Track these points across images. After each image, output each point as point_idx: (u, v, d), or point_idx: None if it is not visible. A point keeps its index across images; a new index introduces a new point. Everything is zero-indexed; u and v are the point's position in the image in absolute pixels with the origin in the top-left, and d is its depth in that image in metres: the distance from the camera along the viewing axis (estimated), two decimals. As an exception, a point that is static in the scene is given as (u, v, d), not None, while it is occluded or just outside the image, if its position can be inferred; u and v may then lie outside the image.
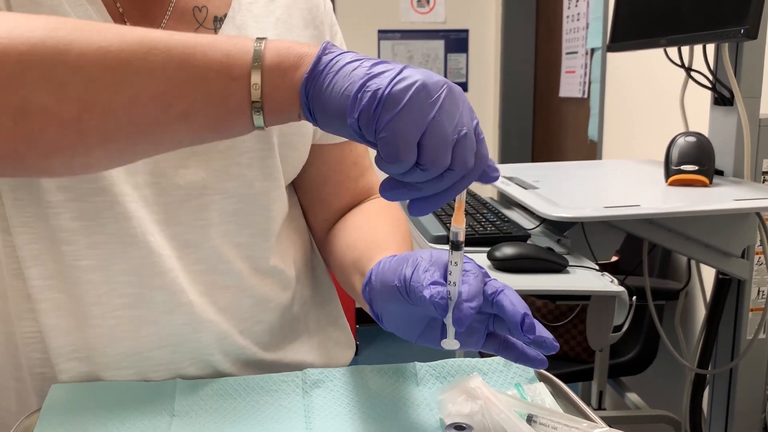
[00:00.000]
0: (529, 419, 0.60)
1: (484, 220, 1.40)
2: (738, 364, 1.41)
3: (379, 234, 0.74)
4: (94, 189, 0.66)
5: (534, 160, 3.38)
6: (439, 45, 3.45)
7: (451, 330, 0.56)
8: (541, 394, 0.68)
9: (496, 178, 0.54)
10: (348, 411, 0.66)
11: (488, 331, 0.58)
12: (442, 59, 3.46)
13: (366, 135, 0.50)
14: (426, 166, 0.49)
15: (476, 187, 1.97)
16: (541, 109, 3.30)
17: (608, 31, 1.60)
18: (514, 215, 1.53)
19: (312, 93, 0.51)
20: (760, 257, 1.39)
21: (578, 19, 2.77)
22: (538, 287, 1.13)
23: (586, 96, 2.70)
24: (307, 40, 0.78)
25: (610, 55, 2.36)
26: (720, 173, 1.37)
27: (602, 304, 1.15)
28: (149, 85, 0.52)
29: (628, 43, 1.50)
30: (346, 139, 0.81)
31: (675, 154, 1.33)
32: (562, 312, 2.02)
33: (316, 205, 0.83)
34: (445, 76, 3.47)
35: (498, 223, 1.38)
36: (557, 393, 0.69)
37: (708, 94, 1.41)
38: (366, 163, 0.85)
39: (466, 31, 3.46)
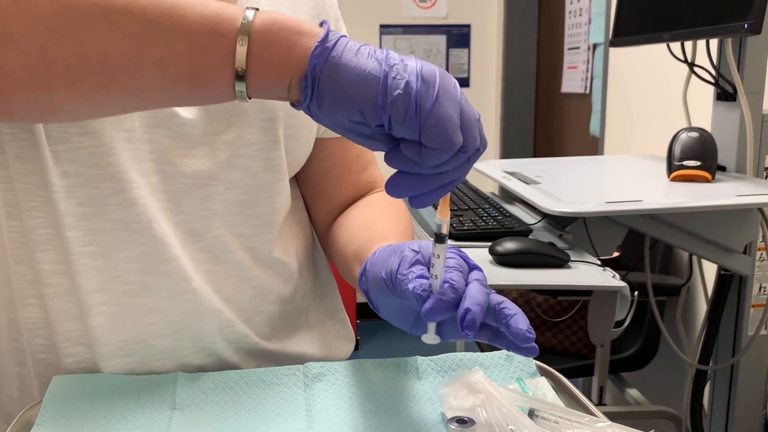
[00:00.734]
0: (531, 413, 0.59)
1: (485, 215, 1.40)
2: (739, 360, 1.41)
3: (380, 226, 0.74)
4: (100, 175, 0.66)
5: (536, 155, 3.38)
6: (440, 40, 3.44)
7: (431, 324, 0.56)
8: (542, 389, 0.68)
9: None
10: (349, 405, 0.66)
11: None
12: (443, 54, 3.46)
13: (394, 124, 0.48)
14: (467, 147, 0.49)
15: (478, 182, 1.97)
16: (542, 104, 3.30)
17: (610, 27, 1.60)
18: (516, 210, 1.53)
19: (325, 68, 0.48)
20: (762, 253, 1.39)
21: (580, 15, 2.76)
22: (539, 282, 1.13)
23: (588, 91, 2.69)
24: None
25: (612, 51, 2.35)
26: (722, 169, 1.37)
27: (604, 299, 1.15)
28: (126, 26, 0.49)
29: (631, 38, 1.50)
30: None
31: (677, 149, 1.33)
32: (563, 307, 2.02)
33: (318, 199, 0.83)
34: (447, 71, 3.46)
35: (500, 218, 1.37)
36: (559, 387, 0.69)
37: (711, 90, 1.41)
38: (368, 157, 0.85)
39: (468, 26, 3.45)
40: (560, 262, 1.16)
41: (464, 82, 3.48)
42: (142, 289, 0.69)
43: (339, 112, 0.49)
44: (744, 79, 1.30)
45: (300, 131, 0.76)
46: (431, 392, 0.68)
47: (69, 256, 0.67)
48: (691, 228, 1.24)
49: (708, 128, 1.39)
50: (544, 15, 3.24)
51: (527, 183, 1.31)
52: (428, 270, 0.55)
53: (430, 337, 0.56)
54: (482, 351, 0.74)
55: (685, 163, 1.31)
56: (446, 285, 0.53)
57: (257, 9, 0.51)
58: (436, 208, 0.55)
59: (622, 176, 1.50)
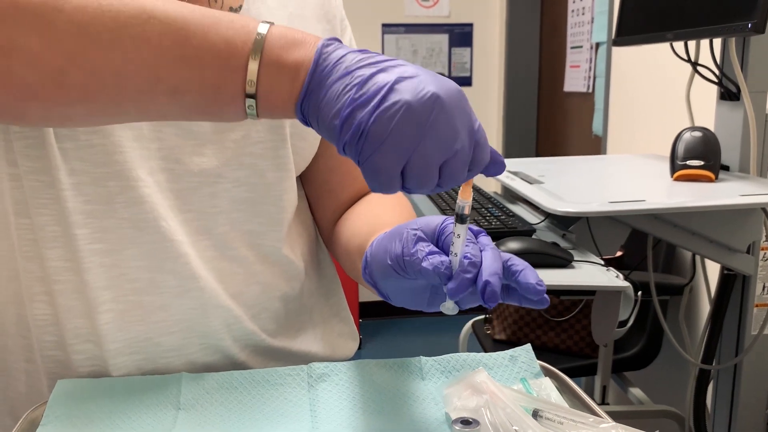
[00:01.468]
0: (535, 414, 0.60)
1: (489, 214, 1.40)
2: (742, 359, 1.41)
3: (382, 219, 0.74)
4: (108, 173, 0.67)
5: (538, 154, 3.37)
6: (443, 39, 3.44)
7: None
8: (546, 389, 0.68)
9: (501, 172, 0.54)
10: (353, 405, 0.66)
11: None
12: (446, 53, 3.46)
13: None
14: (411, 190, 0.50)
15: (480, 181, 1.97)
16: (545, 103, 3.30)
17: (613, 26, 1.59)
18: (519, 210, 1.53)
19: (308, 111, 0.51)
20: (765, 253, 1.39)
21: (583, 14, 2.76)
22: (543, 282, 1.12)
23: (590, 90, 2.69)
24: (321, 34, 0.78)
25: (615, 50, 2.35)
26: (726, 168, 1.37)
27: (607, 299, 1.15)
28: (142, 53, 0.50)
29: (634, 38, 1.50)
30: None
31: (681, 149, 1.33)
32: (566, 307, 2.02)
33: (324, 197, 0.84)
34: (449, 70, 3.47)
35: (503, 217, 1.37)
36: (563, 388, 0.69)
37: (714, 89, 1.41)
38: None
39: (471, 25, 3.45)
40: (564, 262, 1.15)
41: (467, 81, 3.48)
42: (150, 286, 0.69)
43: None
44: (747, 78, 1.30)
45: (306, 130, 0.76)
46: (435, 393, 0.68)
47: (77, 253, 0.68)
48: (694, 228, 1.24)
49: (711, 128, 1.39)
50: (546, 14, 3.24)
51: (530, 183, 1.31)
52: (434, 245, 0.56)
53: (449, 307, 0.57)
54: (485, 351, 0.74)
55: (688, 162, 1.31)
56: (466, 261, 0.54)
57: (267, 28, 0.52)
58: (456, 191, 0.56)
59: (625, 176, 1.50)
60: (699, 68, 1.40)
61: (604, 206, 1.13)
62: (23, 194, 0.67)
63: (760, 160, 1.34)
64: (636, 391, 1.95)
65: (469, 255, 0.54)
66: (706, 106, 1.48)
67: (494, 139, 3.52)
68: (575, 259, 1.17)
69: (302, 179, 0.83)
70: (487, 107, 3.50)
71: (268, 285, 0.76)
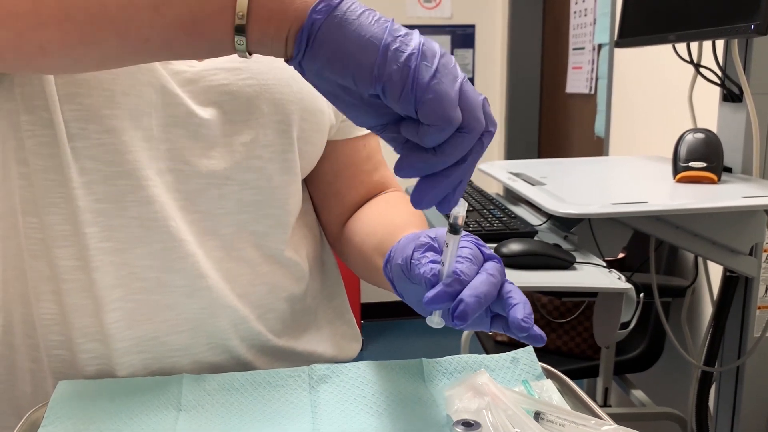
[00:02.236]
0: (537, 416, 0.59)
1: (490, 216, 1.40)
2: (745, 362, 1.41)
3: (399, 219, 0.75)
4: (118, 172, 0.67)
5: (540, 156, 3.37)
6: (445, 40, 3.44)
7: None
8: (548, 391, 0.68)
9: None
10: (354, 406, 0.66)
11: (492, 313, 0.57)
12: (448, 55, 3.46)
13: (389, 97, 0.47)
14: (467, 127, 0.48)
15: (482, 183, 1.97)
16: (547, 105, 3.29)
17: (616, 27, 1.59)
18: (521, 211, 1.53)
19: (325, 25, 0.47)
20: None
21: (585, 15, 2.76)
22: (545, 284, 1.12)
23: (593, 92, 2.69)
24: None
25: (618, 51, 2.35)
26: (728, 170, 1.37)
27: (609, 301, 1.15)
28: None
29: (637, 39, 1.50)
30: (360, 135, 0.83)
31: (683, 150, 1.32)
32: (568, 308, 2.02)
33: (330, 200, 0.84)
34: (452, 71, 3.47)
35: (505, 219, 1.37)
36: (564, 390, 0.69)
37: (716, 91, 1.40)
38: (379, 158, 0.86)
39: (473, 26, 3.45)
40: (566, 263, 1.15)
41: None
42: (158, 285, 0.70)
43: (331, 74, 0.48)
44: (750, 80, 1.30)
45: (313, 134, 0.77)
46: (436, 394, 0.68)
47: (87, 252, 0.68)
48: (697, 229, 1.23)
49: (714, 129, 1.38)
50: (549, 15, 3.24)
51: (532, 184, 1.31)
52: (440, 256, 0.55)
53: (434, 320, 0.55)
54: (487, 353, 0.74)
55: (690, 164, 1.30)
56: (453, 276, 0.53)
57: None
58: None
59: (627, 177, 1.49)
60: (701, 70, 1.40)
61: (607, 208, 1.12)
62: (33, 193, 0.67)
63: (763, 162, 1.34)
64: (638, 393, 1.94)
65: (458, 271, 0.53)
66: (708, 108, 1.48)
67: (496, 140, 3.52)
68: (577, 260, 1.17)
69: (307, 182, 0.83)
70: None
71: (274, 286, 0.76)
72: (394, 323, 3.55)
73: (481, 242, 0.59)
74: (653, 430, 1.89)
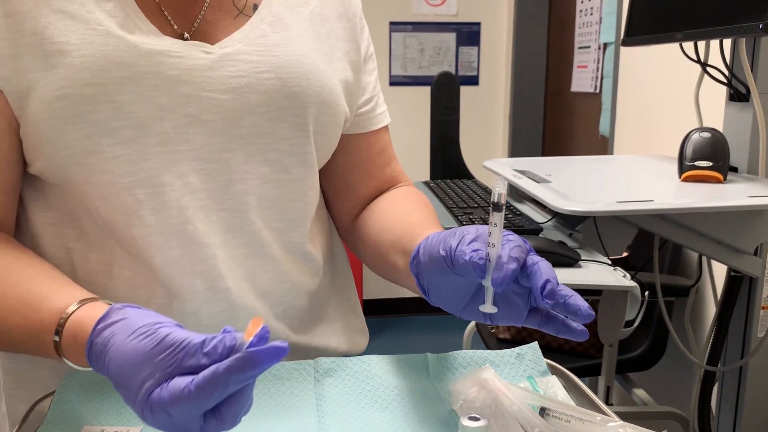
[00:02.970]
0: (542, 412, 0.59)
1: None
2: (748, 361, 1.41)
3: (416, 217, 0.75)
4: (134, 182, 0.67)
5: (544, 154, 3.37)
6: (450, 38, 3.44)
7: (489, 293, 0.57)
8: (553, 387, 0.68)
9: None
10: (359, 400, 0.66)
11: (530, 307, 0.58)
12: (453, 52, 3.45)
13: None
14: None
15: (487, 180, 1.96)
16: (552, 103, 3.29)
17: (621, 26, 1.59)
18: (526, 209, 1.53)
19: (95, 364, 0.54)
20: (772, 255, 1.38)
21: (591, 14, 2.75)
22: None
23: (598, 91, 2.68)
24: (341, 32, 0.79)
25: (623, 50, 2.34)
26: (734, 170, 1.36)
27: (614, 299, 1.15)
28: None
29: (644, 38, 1.49)
30: (375, 129, 0.83)
31: (689, 149, 1.32)
32: (571, 307, 2.01)
33: (343, 193, 0.84)
34: (457, 69, 3.46)
35: (510, 216, 1.37)
36: (569, 386, 0.69)
37: (723, 90, 1.40)
38: (391, 152, 0.87)
39: (478, 24, 3.44)
40: (571, 261, 1.15)
41: (473, 80, 3.47)
42: (179, 292, 0.70)
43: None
44: (757, 79, 1.30)
45: (329, 128, 0.77)
46: (441, 389, 0.68)
47: (107, 262, 0.69)
48: (702, 229, 1.23)
49: (720, 129, 1.38)
50: (554, 14, 3.23)
51: (537, 181, 1.31)
52: (486, 247, 0.56)
53: (488, 307, 0.57)
54: (489, 349, 0.74)
55: (696, 163, 1.30)
56: (506, 253, 0.54)
57: (62, 330, 0.57)
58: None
59: (632, 176, 1.49)
60: (708, 69, 1.40)
61: (612, 206, 1.12)
62: (51, 214, 0.70)
63: (769, 162, 1.33)
64: (640, 392, 1.94)
65: (513, 252, 0.55)
66: (715, 107, 1.48)
67: (500, 138, 3.52)
68: (582, 258, 1.17)
69: (320, 175, 0.83)
70: (494, 106, 3.49)
71: (296, 282, 0.77)
72: (396, 320, 3.55)
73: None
74: (655, 429, 1.88)
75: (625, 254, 1.92)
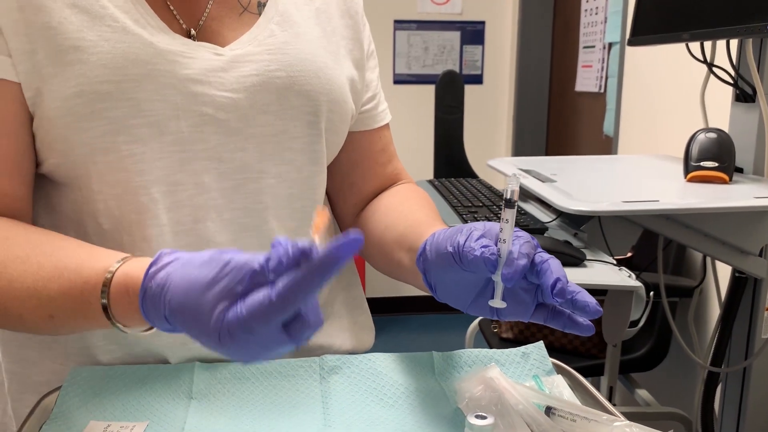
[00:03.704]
0: (548, 411, 0.59)
1: (500, 211, 1.39)
2: (752, 363, 1.40)
3: (420, 214, 0.75)
4: (147, 181, 0.67)
5: (548, 154, 3.36)
6: (455, 36, 3.43)
7: (499, 288, 0.57)
8: (558, 387, 0.68)
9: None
10: (365, 398, 0.66)
11: (537, 302, 0.58)
12: (457, 51, 3.45)
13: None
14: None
15: (491, 179, 1.96)
16: (556, 103, 3.28)
17: (627, 26, 1.59)
18: (531, 208, 1.52)
19: (151, 320, 0.53)
20: (777, 256, 1.38)
21: (596, 13, 2.75)
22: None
23: (602, 91, 2.68)
24: (344, 30, 0.79)
25: (629, 50, 2.34)
26: (740, 170, 1.36)
27: (619, 298, 1.15)
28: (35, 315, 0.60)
29: (650, 38, 1.49)
30: (377, 126, 0.83)
31: (695, 150, 1.32)
32: (574, 307, 2.01)
33: (345, 190, 0.84)
34: (461, 67, 3.46)
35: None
36: (575, 386, 0.69)
37: (729, 90, 1.40)
38: (392, 150, 0.87)
39: (483, 22, 3.44)
40: (576, 260, 1.15)
41: (478, 79, 3.47)
42: None
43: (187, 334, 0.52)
44: (764, 80, 1.29)
45: (338, 125, 0.77)
46: (447, 387, 0.68)
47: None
48: (707, 229, 1.23)
49: (726, 129, 1.38)
50: (559, 13, 3.23)
51: (542, 181, 1.31)
52: (495, 243, 0.56)
53: (497, 302, 0.57)
54: (491, 348, 0.74)
55: (702, 164, 1.30)
56: (517, 249, 0.55)
57: (110, 282, 0.56)
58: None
59: (637, 176, 1.49)
60: (714, 69, 1.39)
61: (618, 206, 1.12)
62: (55, 217, 0.69)
63: (775, 163, 1.33)
64: (643, 393, 1.94)
65: (523, 248, 0.55)
66: (720, 108, 1.47)
67: (504, 137, 3.51)
68: (587, 258, 1.17)
69: None
70: (498, 106, 3.49)
71: None
72: (398, 318, 3.55)
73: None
74: (658, 430, 1.88)
75: (629, 254, 1.91)
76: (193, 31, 0.70)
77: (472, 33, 3.44)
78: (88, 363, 0.71)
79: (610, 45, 2.58)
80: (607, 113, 2.57)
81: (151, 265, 0.52)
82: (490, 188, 1.65)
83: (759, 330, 1.39)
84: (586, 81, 2.85)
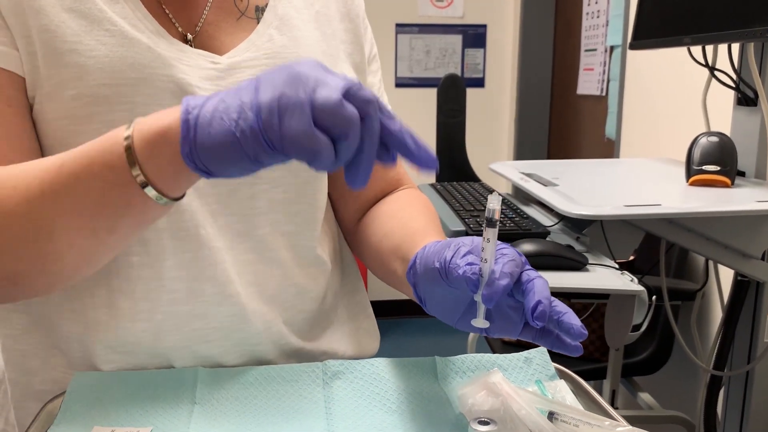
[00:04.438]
0: (551, 416, 0.59)
1: (502, 216, 1.39)
2: (755, 366, 1.40)
3: (417, 223, 0.75)
4: None
5: (550, 157, 3.36)
6: (456, 40, 3.44)
7: (481, 308, 0.56)
8: (561, 392, 0.68)
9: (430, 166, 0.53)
10: (368, 403, 0.66)
11: (525, 320, 0.58)
12: (459, 54, 3.45)
13: (269, 162, 0.51)
14: (342, 135, 0.49)
15: (492, 182, 1.96)
16: (558, 106, 3.29)
17: (628, 29, 1.59)
18: (532, 212, 1.52)
19: (197, 158, 0.51)
20: (780, 260, 1.38)
21: (598, 16, 2.75)
22: (557, 285, 1.12)
23: (604, 94, 2.68)
24: (344, 33, 0.79)
25: (630, 53, 2.34)
26: (742, 174, 1.36)
27: (621, 303, 1.15)
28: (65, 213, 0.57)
29: (652, 41, 1.49)
30: None
31: (697, 153, 1.32)
32: (577, 310, 2.01)
33: (347, 196, 0.84)
34: (462, 71, 3.46)
35: (517, 219, 1.37)
36: (577, 391, 0.69)
37: (730, 94, 1.40)
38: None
39: (484, 26, 3.44)
40: (578, 265, 1.15)
41: (479, 83, 3.47)
42: (188, 296, 0.69)
43: (236, 175, 0.52)
44: (765, 83, 1.29)
45: None
46: (450, 392, 0.68)
47: (114, 266, 0.68)
48: (709, 233, 1.23)
49: (727, 133, 1.38)
50: (560, 16, 3.23)
51: (545, 185, 1.31)
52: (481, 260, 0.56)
53: (479, 321, 0.57)
54: (494, 353, 0.74)
55: (704, 167, 1.30)
56: (499, 269, 0.54)
57: (131, 133, 0.54)
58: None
59: (639, 179, 1.49)
60: (716, 73, 1.39)
61: (620, 209, 1.12)
62: None
63: (777, 166, 1.33)
64: (645, 396, 1.94)
65: (506, 267, 0.55)
66: (722, 111, 1.47)
67: (506, 140, 3.51)
68: (589, 262, 1.17)
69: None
70: (500, 109, 3.49)
71: (303, 287, 0.76)
72: (400, 321, 3.55)
73: (521, 253, 0.60)
74: (660, 434, 1.88)
75: (631, 258, 1.91)
76: (190, 36, 0.70)
77: (474, 36, 3.45)
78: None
79: (612, 48, 2.58)
80: (609, 116, 2.57)
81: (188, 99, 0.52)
82: (492, 192, 1.65)
83: (762, 333, 1.39)
84: (587, 84, 2.85)
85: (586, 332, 0.54)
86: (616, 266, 1.17)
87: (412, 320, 3.56)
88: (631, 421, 0.59)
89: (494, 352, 0.74)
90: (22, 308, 0.72)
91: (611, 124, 2.53)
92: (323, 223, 0.81)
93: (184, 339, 0.70)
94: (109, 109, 0.65)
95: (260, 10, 0.74)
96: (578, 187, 1.31)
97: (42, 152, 0.67)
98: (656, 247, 1.54)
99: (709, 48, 1.40)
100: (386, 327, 3.46)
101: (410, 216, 0.77)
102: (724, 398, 1.51)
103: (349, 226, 0.86)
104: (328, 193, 0.85)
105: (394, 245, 0.72)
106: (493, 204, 0.55)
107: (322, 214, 0.78)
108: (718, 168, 1.29)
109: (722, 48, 1.38)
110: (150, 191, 0.54)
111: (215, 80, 0.69)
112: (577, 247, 1.25)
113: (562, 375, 0.71)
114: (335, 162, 0.50)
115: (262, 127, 0.48)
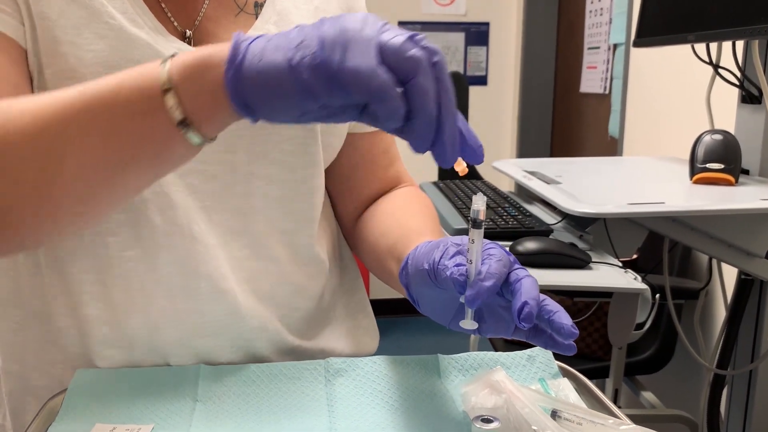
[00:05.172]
0: (554, 414, 0.59)
1: (505, 214, 1.39)
2: (758, 365, 1.40)
3: (414, 222, 0.74)
4: None
5: (553, 155, 3.36)
6: (459, 38, 3.43)
7: (468, 309, 0.56)
8: (564, 390, 0.67)
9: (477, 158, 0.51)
10: (370, 401, 0.65)
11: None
12: (462, 52, 3.45)
13: (326, 101, 0.47)
14: (406, 77, 0.46)
15: (495, 180, 1.96)
16: (561, 104, 3.28)
17: (632, 27, 1.58)
18: (536, 210, 1.52)
19: (242, 88, 0.48)
20: (784, 258, 1.37)
21: (601, 14, 2.74)
22: (561, 283, 1.12)
23: (607, 92, 2.67)
24: None
25: (633, 51, 2.33)
26: (746, 172, 1.36)
27: (625, 301, 1.14)
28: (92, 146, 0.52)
29: (655, 39, 1.48)
30: (379, 129, 0.82)
31: (701, 151, 1.31)
32: (579, 309, 2.01)
33: (346, 193, 0.84)
34: (465, 69, 3.46)
35: (520, 217, 1.37)
36: (581, 389, 0.69)
37: (735, 92, 1.39)
38: (394, 152, 0.86)
39: (487, 24, 3.43)
40: (582, 263, 1.15)
41: (482, 81, 3.47)
42: (183, 291, 0.69)
43: (280, 116, 0.49)
44: (770, 81, 1.29)
45: (336, 126, 0.76)
46: (452, 390, 0.67)
47: (109, 261, 0.68)
48: (712, 231, 1.22)
49: (732, 131, 1.37)
50: (563, 14, 3.22)
51: (548, 183, 1.30)
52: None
53: (467, 323, 0.56)
54: (496, 351, 0.74)
55: (708, 165, 1.29)
56: (485, 270, 0.54)
57: (168, 60, 0.50)
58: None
59: (643, 178, 1.48)
60: (720, 70, 1.39)
61: (623, 207, 1.12)
62: None
63: (781, 165, 1.32)
64: (648, 395, 1.94)
65: (492, 268, 0.54)
66: (726, 109, 1.47)
67: (509, 138, 3.51)
68: (593, 260, 1.17)
69: (324, 175, 0.83)
70: (502, 107, 3.49)
71: (299, 285, 0.76)
72: (402, 320, 3.55)
73: (508, 251, 0.59)
74: (663, 433, 1.88)
75: (634, 257, 1.91)
76: (188, 33, 0.70)
77: (477, 34, 3.44)
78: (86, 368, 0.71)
79: (615, 46, 2.57)
80: (612, 114, 2.57)
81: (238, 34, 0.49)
82: (494, 190, 1.65)
83: (765, 332, 1.39)
84: (590, 82, 2.84)
85: (577, 331, 0.54)
86: (620, 264, 1.17)
87: (414, 319, 3.56)
88: (634, 420, 0.58)
89: (497, 351, 0.74)
90: (18, 302, 0.72)
91: (614, 122, 2.52)
92: (321, 220, 0.80)
93: (181, 334, 0.70)
94: None
95: (259, 6, 0.74)
96: (581, 185, 1.31)
97: None
98: (659, 246, 1.53)
99: (713, 46, 1.40)
100: (388, 325, 3.45)
101: (407, 215, 0.77)
102: (727, 397, 1.50)
103: (348, 223, 0.85)
104: (328, 191, 0.84)
105: (389, 244, 0.72)
106: (478, 205, 0.55)
107: (320, 211, 0.77)
108: (722, 166, 1.28)
109: (726, 45, 1.38)
110: (178, 116, 0.49)
111: None
112: (580, 245, 1.25)
113: (565, 373, 0.71)
114: (409, 115, 0.46)
115: (325, 56, 0.45)
